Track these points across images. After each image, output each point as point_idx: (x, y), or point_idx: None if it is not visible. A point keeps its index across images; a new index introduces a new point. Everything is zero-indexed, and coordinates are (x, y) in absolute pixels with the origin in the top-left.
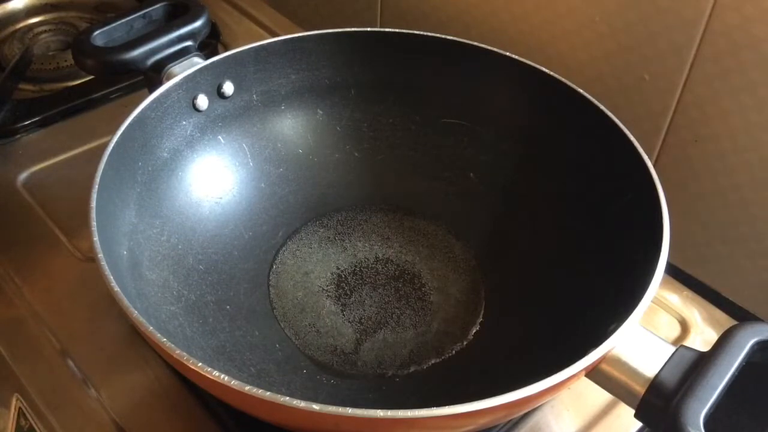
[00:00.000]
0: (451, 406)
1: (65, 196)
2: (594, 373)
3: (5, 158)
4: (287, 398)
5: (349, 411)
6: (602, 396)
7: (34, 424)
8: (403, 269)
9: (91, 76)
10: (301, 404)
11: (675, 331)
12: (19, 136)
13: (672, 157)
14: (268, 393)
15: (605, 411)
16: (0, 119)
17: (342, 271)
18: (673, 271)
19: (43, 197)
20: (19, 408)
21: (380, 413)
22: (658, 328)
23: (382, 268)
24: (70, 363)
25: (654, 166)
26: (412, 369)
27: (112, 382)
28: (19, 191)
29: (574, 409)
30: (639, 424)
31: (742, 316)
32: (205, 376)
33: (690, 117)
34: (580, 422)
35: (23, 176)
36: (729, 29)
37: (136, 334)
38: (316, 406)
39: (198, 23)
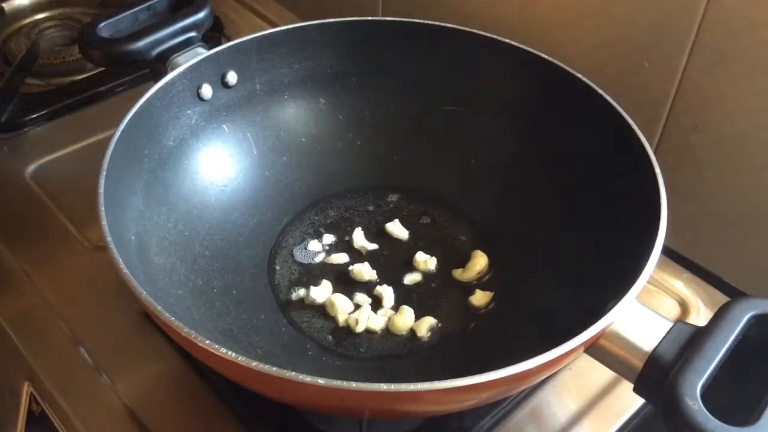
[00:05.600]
0: (453, 380)
1: (73, 188)
2: (593, 349)
3: (13, 151)
4: (293, 373)
5: (354, 385)
6: (602, 376)
7: (46, 410)
8: (408, 253)
9: (97, 70)
10: (307, 379)
11: (676, 312)
12: (26, 129)
13: (672, 143)
14: (275, 368)
15: (606, 391)
16: (8, 113)
17: (346, 257)
18: (674, 255)
19: (51, 189)
20: (31, 393)
21: (384, 386)
22: (659, 310)
23: (387, 252)
24: (82, 350)
25: (654, 152)
26: (415, 350)
27: (123, 368)
28: (28, 183)
29: (575, 389)
30: (638, 404)
31: None
32: (212, 353)
33: (689, 103)
34: (581, 402)
35: (31, 168)
36: (727, 15)
37: (145, 321)
38: (321, 381)
39: (201, 14)
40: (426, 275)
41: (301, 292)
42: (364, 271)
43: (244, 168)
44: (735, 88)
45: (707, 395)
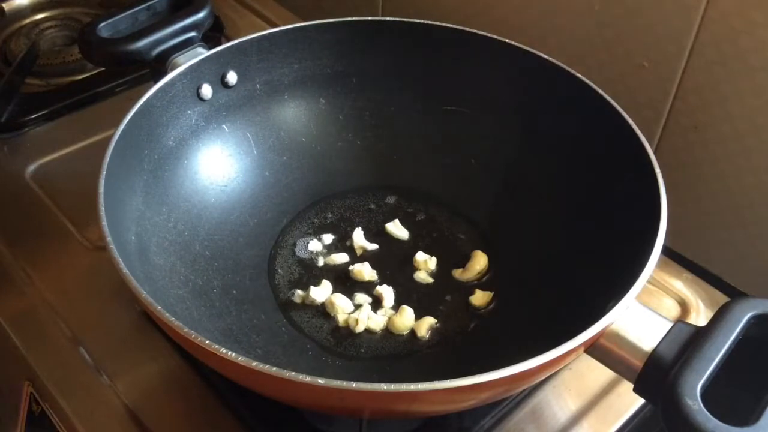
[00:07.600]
0: (453, 380)
1: (73, 188)
2: (594, 349)
3: (14, 151)
4: (293, 373)
5: (354, 384)
6: (602, 376)
7: (46, 410)
8: (408, 253)
9: (97, 70)
10: (307, 379)
11: (676, 312)
12: (26, 129)
13: (672, 143)
14: (275, 368)
15: (606, 391)
16: (8, 113)
17: (346, 257)
18: (674, 255)
19: (51, 189)
20: (31, 393)
21: (383, 386)
22: (659, 310)
23: (387, 252)
24: (82, 350)
25: (654, 152)
26: (416, 350)
27: (123, 368)
28: (28, 183)
29: (575, 389)
30: (638, 404)
31: None
32: (212, 353)
33: (689, 103)
34: (581, 402)
35: (31, 168)
36: (727, 15)
37: (145, 320)
38: (321, 381)
39: (201, 14)
40: (426, 275)
41: (301, 292)
42: (364, 271)
43: (244, 168)
44: (735, 88)
45: (707, 395)
